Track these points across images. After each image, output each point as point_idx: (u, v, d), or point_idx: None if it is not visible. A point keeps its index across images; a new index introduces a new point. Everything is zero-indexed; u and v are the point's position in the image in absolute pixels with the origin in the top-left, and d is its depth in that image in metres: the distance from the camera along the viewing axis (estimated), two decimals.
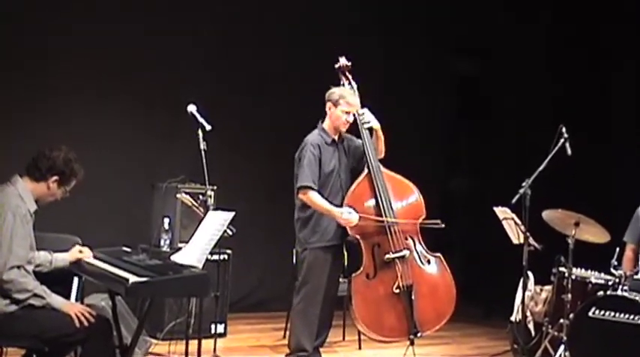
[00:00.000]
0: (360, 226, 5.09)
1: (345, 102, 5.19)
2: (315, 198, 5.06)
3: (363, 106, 5.32)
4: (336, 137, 5.25)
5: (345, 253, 5.34)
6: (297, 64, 7.63)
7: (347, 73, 5.46)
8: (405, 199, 5.33)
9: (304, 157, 5.09)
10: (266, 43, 7.65)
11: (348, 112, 5.20)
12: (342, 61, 5.47)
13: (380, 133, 5.32)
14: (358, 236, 5.12)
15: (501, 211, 5.77)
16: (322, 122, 5.26)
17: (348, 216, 5.03)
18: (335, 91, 5.24)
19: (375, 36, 8.12)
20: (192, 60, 7.29)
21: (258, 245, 7.49)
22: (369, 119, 5.28)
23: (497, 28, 8.44)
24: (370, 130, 5.32)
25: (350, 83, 5.44)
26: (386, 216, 5.15)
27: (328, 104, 5.21)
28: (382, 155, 5.36)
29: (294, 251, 5.67)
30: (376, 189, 5.19)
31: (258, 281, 7.69)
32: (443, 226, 5.16)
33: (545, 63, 8.17)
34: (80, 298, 4.56)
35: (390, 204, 5.19)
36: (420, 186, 5.39)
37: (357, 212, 5.08)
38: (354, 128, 5.36)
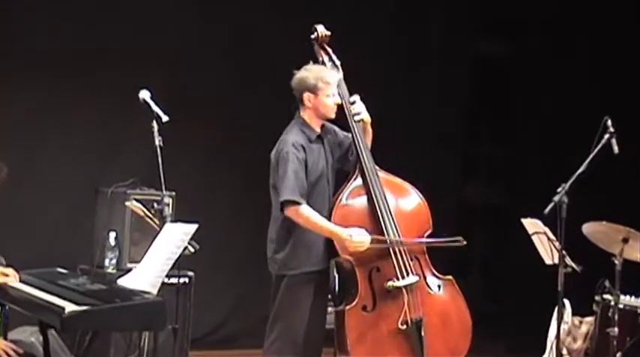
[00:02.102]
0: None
1: (324, 83, 5.04)
2: (308, 214, 4.92)
3: (351, 94, 5.24)
4: (319, 130, 5.15)
5: (336, 275, 5.26)
6: (281, 43, 7.56)
7: (326, 47, 5.30)
8: (407, 209, 5.24)
9: (286, 161, 4.96)
10: (243, 16, 7.60)
11: (333, 94, 5.07)
12: (320, 30, 5.29)
13: (369, 127, 5.25)
14: (351, 258, 5.03)
15: (531, 224, 5.76)
16: (301, 113, 5.14)
17: (359, 238, 4.91)
18: (306, 76, 5.04)
19: (379, 9, 8.09)
20: (147, 38, 7.26)
21: (228, 266, 7.48)
22: (360, 110, 5.21)
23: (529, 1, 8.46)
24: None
25: (331, 59, 5.29)
26: (388, 233, 5.07)
27: (305, 96, 5.05)
28: None
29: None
30: (374, 198, 5.10)
31: (227, 311, 7.66)
32: (465, 243, 5.10)
33: (587, 45, 8.18)
34: (3, 333, 4.52)
35: (392, 218, 5.11)
36: (431, 194, 5.32)
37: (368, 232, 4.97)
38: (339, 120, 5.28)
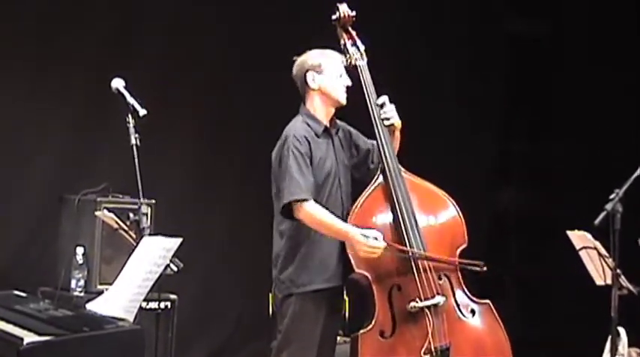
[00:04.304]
0: (372, 258, 5.02)
1: (329, 62, 5.17)
2: (315, 211, 4.96)
3: (379, 94, 5.31)
4: (328, 123, 5.22)
5: (346, 299, 5.31)
6: (279, 38, 7.55)
7: (349, 29, 5.41)
8: (437, 219, 5.30)
9: (287, 158, 5.03)
10: (238, 10, 7.63)
11: (341, 75, 5.18)
12: (343, 9, 5.39)
13: (398, 133, 5.32)
14: (368, 274, 5.06)
15: (579, 237, 5.73)
16: (306, 105, 5.24)
17: (373, 243, 4.94)
18: (307, 57, 5.20)
19: None
20: (126, 26, 7.29)
21: (220, 288, 7.49)
22: (391, 114, 5.27)
23: None
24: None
25: (355, 44, 5.38)
26: (410, 244, 5.10)
27: (308, 75, 5.16)
28: None
29: (271, 297, 5.64)
30: (396, 203, 5.14)
31: (219, 342, 7.64)
32: (484, 269, 5.15)
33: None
34: None
35: (417, 227, 5.14)
36: (458, 200, 5.36)
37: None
38: (362, 124, 5.30)
